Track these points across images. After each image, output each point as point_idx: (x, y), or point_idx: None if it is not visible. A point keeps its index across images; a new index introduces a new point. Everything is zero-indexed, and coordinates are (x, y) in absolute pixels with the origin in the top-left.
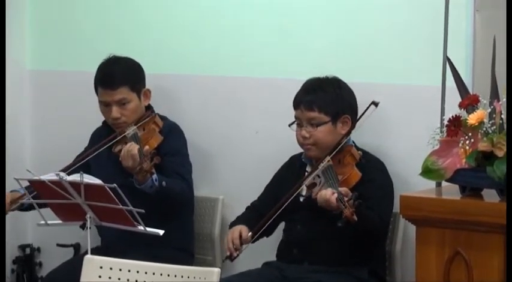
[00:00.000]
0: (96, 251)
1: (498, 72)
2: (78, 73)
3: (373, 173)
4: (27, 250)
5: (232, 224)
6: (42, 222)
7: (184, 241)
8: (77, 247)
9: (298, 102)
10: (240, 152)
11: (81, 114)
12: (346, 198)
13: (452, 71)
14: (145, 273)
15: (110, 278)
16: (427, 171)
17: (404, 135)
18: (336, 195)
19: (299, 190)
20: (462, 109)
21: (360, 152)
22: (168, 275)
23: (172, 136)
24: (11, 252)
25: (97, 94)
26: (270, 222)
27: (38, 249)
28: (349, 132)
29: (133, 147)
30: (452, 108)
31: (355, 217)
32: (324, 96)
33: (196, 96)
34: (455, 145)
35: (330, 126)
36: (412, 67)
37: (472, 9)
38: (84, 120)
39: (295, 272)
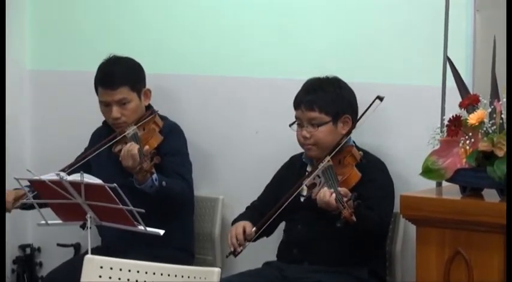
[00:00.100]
0: (96, 251)
1: (498, 72)
2: (78, 73)
3: (374, 173)
4: (28, 250)
5: (235, 222)
6: (43, 222)
7: (185, 241)
8: (77, 247)
9: (298, 103)
10: (240, 152)
11: (81, 114)
12: (345, 199)
13: (452, 70)
14: (146, 273)
15: (110, 277)
16: (428, 171)
17: (405, 135)
18: (334, 195)
19: (300, 189)
20: (462, 109)
21: (360, 152)
22: (169, 275)
23: (172, 136)
24: (11, 252)
25: (97, 94)
26: (273, 218)
27: (38, 249)
28: (349, 132)
29: (133, 147)
30: (453, 108)
31: (354, 218)
32: (324, 96)
33: (196, 96)
34: (455, 145)
35: (331, 126)
36: (412, 67)
37: (472, 9)
38: (84, 120)
39: (295, 272)
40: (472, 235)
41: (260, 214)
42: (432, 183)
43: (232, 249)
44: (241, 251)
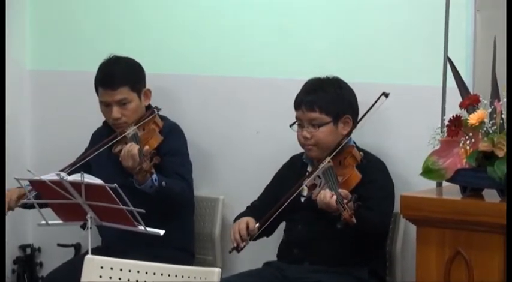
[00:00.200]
0: (96, 251)
1: (498, 72)
2: (78, 73)
3: (374, 174)
4: (28, 250)
5: (236, 219)
6: (43, 222)
7: (185, 241)
8: (77, 247)
9: (299, 103)
10: (240, 152)
11: (81, 115)
12: (345, 201)
13: (452, 71)
14: (146, 273)
15: (110, 278)
16: (428, 171)
17: (405, 135)
18: (335, 197)
19: (301, 187)
20: (463, 109)
21: (361, 153)
22: (169, 275)
23: (172, 136)
24: (12, 252)
25: (97, 94)
26: (276, 214)
27: (39, 249)
28: (350, 132)
29: (133, 148)
30: (453, 108)
31: (353, 219)
32: (324, 96)
33: (196, 96)
34: (455, 145)
35: (331, 127)
36: (413, 67)
37: (472, 9)
38: (84, 121)
39: (295, 272)
40: (472, 235)
41: (261, 213)
42: (432, 183)
43: (235, 245)
44: (244, 246)
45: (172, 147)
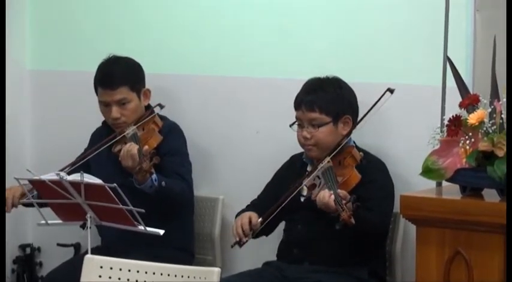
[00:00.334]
0: (96, 251)
1: (498, 72)
2: (78, 73)
3: (374, 174)
4: (28, 250)
5: (238, 215)
6: (43, 221)
7: (185, 241)
8: (77, 247)
9: (299, 103)
10: (240, 152)
11: (81, 115)
12: (344, 201)
13: (452, 70)
14: (146, 272)
15: (110, 277)
16: (428, 171)
17: (405, 135)
18: (333, 197)
19: (302, 186)
20: (462, 109)
21: (361, 153)
22: (168, 275)
23: (172, 136)
24: (11, 252)
25: (97, 94)
26: (278, 210)
27: (38, 249)
28: (352, 129)
29: (132, 147)
30: (453, 108)
31: (352, 220)
32: (324, 96)
33: (196, 96)
34: (455, 145)
35: (331, 127)
36: (412, 67)
37: (472, 9)
38: (84, 121)
39: (295, 272)
40: (472, 235)
41: (261, 211)
42: (432, 183)
43: (237, 239)
44: (247, 241)
45: (171, 147)
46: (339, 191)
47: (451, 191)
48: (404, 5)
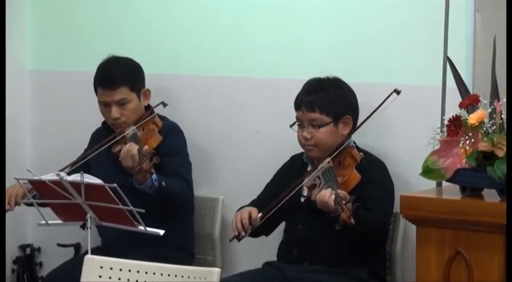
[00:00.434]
0: (96, 251)
1: (498, 72)
2: (78, 73)
3: (374, 174)
4: (28, 250)
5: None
6: (43, 222)
7: (185, 241)
8: (77, 247)
9: (299, 103)
10: (240, 152)
11: (81, 115)
12: (344, 202)
13: (452, 71)
14: (146, 273)
15: (110, 278)
16: (428, 171)
17: (405, 135)
18: (333, 196)
19: (302, 183)
20: (462, 109)
21: (361, 153)
22: (169, 275)
23: (172, 136)
24: (12, 252)
25: (96, 94)
26: (278, 206)
27: (39, 249)
28: (352, 132)
29: (132, 147)
30: (453, 108)
31: (352, 220)
32: (324, 96)
33: (196, 96)
34: (455, 145)
35: (332, 127)
36: (412, 67)
37: (472, 9)
38: (84, 121)
39: (295, 272)
40: (472, 235)
41: (261, 209)
42: (432, 183)
43: (236, 234)
44: (245, 235)
45: (171, 147)
46: (338, 191)
47: (451, 191)
48: (404, 5)
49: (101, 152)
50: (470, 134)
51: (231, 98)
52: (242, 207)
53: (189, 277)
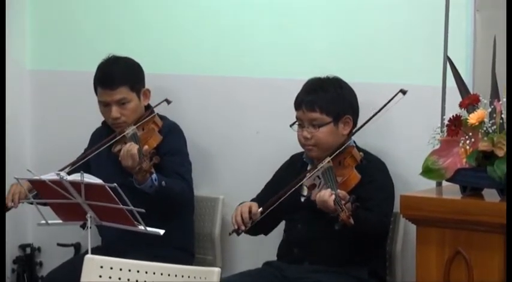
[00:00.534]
0: (96, 251)
1: (498, 72)
2: (78, 73)
3: (374, 174)
4: (28, 250)
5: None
6: (43, 221)
7: (185, 241)
8: (77, 247)
9: (299, 103)
10: (240, 152)
11: (81, 114)
12: (343, 202)
13: (452, 70)
14: (146, 272)
15: (110, 277)
16: (428, 171)
17: (405, 135)
18: (333, 196)
19: (303, 181)
20: (462, 109)
21: (361, 153)
22: (169, 275)
23: (172, 136)
24: (12, 251)
25: (96, 94)
26: (277, 203)
27: (39, 249)
28: (354, 132)
29: (132, 147)
30: (453, 108)
31: (351, 221)
32: (325, 96)
33: (196, 96)
34: (455, 145)
35: (332, 127)
36: (412, 67)
37: (472, 9)
38: (84, 121)
39: (295, 272)
40: (472, 235)
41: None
42: (432, 183)
43: (236, 227)
44: (245, 230)
45: (171, 146)
46: (338, 191)
47: (451, 191)
48: (404, 5)
49: (101, 151)
50: (471, 134)
51: (231, 98)
52: (242, 202)
53: (189, 277)
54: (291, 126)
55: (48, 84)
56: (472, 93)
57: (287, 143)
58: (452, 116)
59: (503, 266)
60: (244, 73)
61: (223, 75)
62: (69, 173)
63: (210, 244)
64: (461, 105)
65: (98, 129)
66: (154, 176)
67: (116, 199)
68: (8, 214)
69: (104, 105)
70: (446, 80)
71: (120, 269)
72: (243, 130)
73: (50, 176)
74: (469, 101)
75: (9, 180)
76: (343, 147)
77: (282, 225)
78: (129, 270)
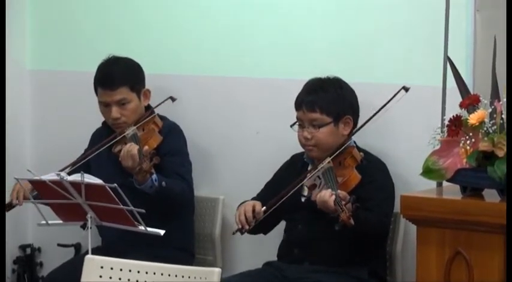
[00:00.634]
0: (96, 251)
1: (498, 72)
2: (78, 73)
3: (374, 174)
4: (28, 250)
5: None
6: (43, 222)
7: (185, 241)
8: (77, 247)
9: (299, 103)
10: (240, 152)
11: (81, 115)
12: (343, 202)
13: (452, 70)
14: (146, 273)
15: (110, 278)
16: (428, 171)
17: (405, 135)
18: (333, 197)
19: (305, 180)
20: (463, 109)
21: (361, 153)
22: (169, 275)
23: (172, 136)
24: (12, 252)
25: (96, 94)
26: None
27: (39, 249)
28: (355, 131)
29: (132, 148)
30: (453, 108)
31: (351, 221)
32: (325, 96)
33: (196, 96)
34: (456, 145)
35: (332, 127)
36: (412, 67)
37: (472, 9)
38: (84, 121)
39: (295, 272)
40: (472, 235)
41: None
42: (432, 183)
43: (239, 227)
44: (249, 229)
45: (172, 147)
46: (338, 191)
47: (452, 191)
48: (404, 5)
49: (101, 152)
50: (471, 134)
51: (231, 98)
52: (243, 202)
53: (189, 277)
54: (291, 126)
55: (48, 84)
56: (472, 93)
57: (287, 143)
58: (453, 116)
59: (503, 266)
60: (245, 73)
61: (223, 75)
62: (69, 173)
63: (210, 244)
64: (461, 106)
65: (98, 130)
66: (154, 176)
67: (116, 199)
68: (8, 214)
69: (104, 106)
70: (446, 80)
71: (121, 269)
72: (243, 130)
73: (50, 176)
74: (469, 101)
75: (9, 180)
76: (344, 147)
77: (282, 225)
78: (130, 271)
